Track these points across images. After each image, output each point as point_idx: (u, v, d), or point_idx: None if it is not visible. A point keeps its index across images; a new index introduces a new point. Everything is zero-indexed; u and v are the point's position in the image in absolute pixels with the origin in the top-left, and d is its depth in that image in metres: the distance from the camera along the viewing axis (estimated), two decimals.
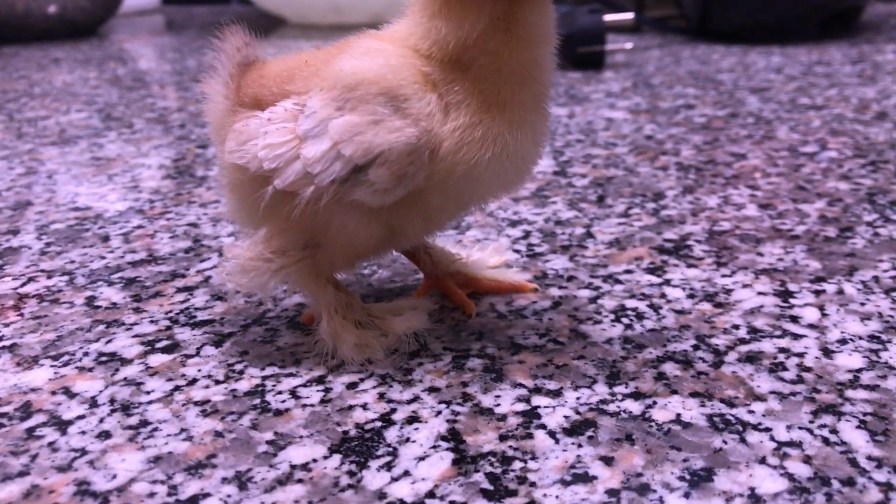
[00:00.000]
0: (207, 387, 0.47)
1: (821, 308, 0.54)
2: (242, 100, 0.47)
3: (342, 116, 0.43)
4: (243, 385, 0.47)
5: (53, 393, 0.47)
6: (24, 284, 0.62)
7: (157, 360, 0.50)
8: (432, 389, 0.46)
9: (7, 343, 0.53)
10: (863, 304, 0.54)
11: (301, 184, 0.44)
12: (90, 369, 0.50)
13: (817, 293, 0.56)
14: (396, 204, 0.45)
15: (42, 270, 0.65)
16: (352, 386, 0.47)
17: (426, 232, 0.51)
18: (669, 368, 0.47)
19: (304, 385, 0.47)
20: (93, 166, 0.95)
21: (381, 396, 0.45)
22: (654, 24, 1.68)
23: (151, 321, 0.56)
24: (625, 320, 0.53)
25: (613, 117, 1.08)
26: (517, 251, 0.65)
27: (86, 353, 0.52)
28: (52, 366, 0.50)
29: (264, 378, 0.48)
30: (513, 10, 0.43)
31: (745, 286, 0.57)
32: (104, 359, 0.51)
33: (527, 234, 0.68)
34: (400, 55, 0.44)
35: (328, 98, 0.43)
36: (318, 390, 0.46)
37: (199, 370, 0.49)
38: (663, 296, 0.56)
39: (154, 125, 1.16)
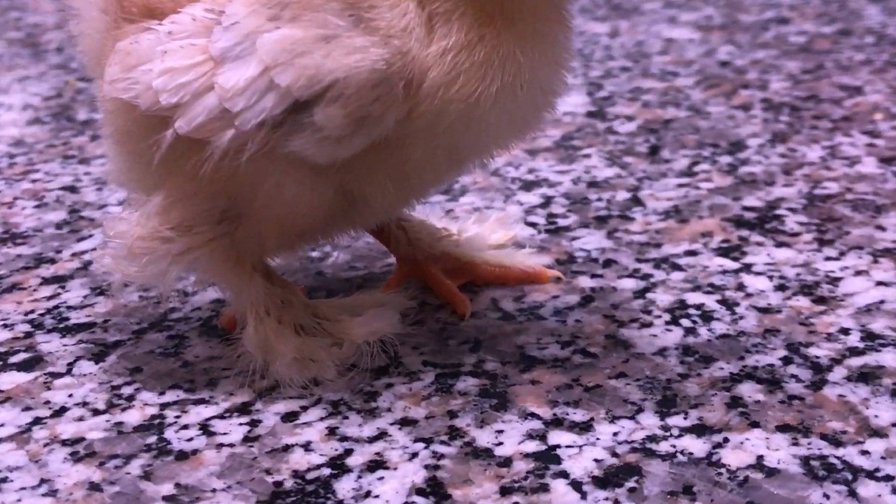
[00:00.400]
0: (81, 419, 0.46)
1: None
2: (128, 9, 0.47)
3: (277, 30, 0.42)
4: (133, 416, 0.46)
5: None
6: None
7: (10, 379, 0.50)
8: (406, 422, 0.45)
9: None
10: None
11: (215, 127, 0.43)
12: None
13: None
14: (356, 160, 0.45)
15: None
16: (289, 417, 0.46)
17: (400, 201, 0.51)
18: (748, 391, 0.46)
19: (221, 416, 0.46)
20: None
21: (332, 432, 0.45)
22: None
23: (4, 325, 0.55)
24: (685, 323, 0.52)
25: (674, 36, 1.07)
26: (532, 224, 0.64)
27: None
28: None
29: (164, 406, 0.47)
30: None
31: (858, 273, 0.57)
32: None
33: (547, 201, 0.68)
34: None
35: (257, 2, 0.43)
36: (240, 423, 0.46)
37: (71, 395, 0.48)
38: (741, 287, 0.56)
39: (20, 49, 1.15)
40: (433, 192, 0.65)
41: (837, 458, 0.42)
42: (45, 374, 0.50)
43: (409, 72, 0.42)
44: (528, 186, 0.71)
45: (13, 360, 0.52)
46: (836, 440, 0.43)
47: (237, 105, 0.42)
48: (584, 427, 0.44)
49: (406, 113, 0.43)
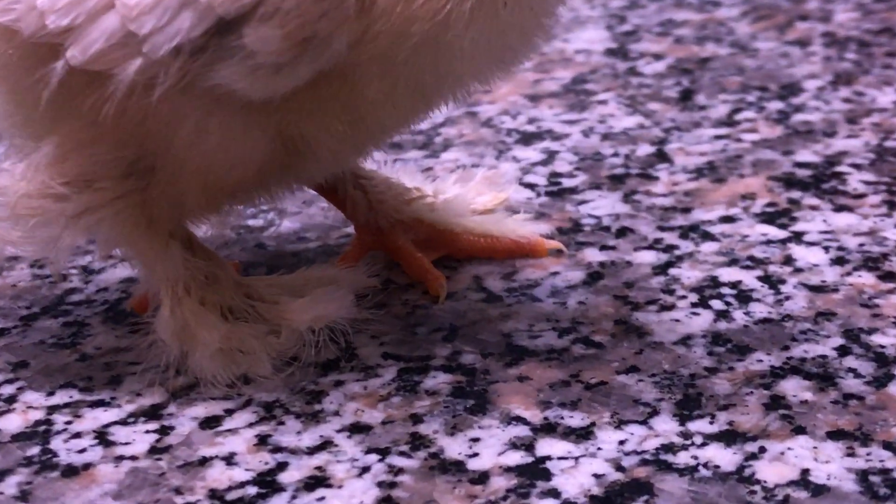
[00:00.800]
0: None
1: None
2: None
3: None
4: (12, 423, 0.46)
5: None
6: None
7: None
8: (357, 429, 0.44)
9: None
10: None
11: (118, 56, 0.42)
12: None
13: None
14: (299, 96, 0.44)
15: None
16: (209, 423, 0.45)
17: (354, 149, 0.50)
18: (792, 388, 0.45)
19: (124, 422, 0.45)
20: None
21: (263, 442, 0.44)
22: None
23: None
24: (716, 304, 0.51)
25: None
26: (530, 185, 0.64)
27: None
28: None
29: (52, 409, 0.46)
30: None
31: None
32: None
33: (550, 157, 0.67)
34: None
35: None
36: (147, 431, 0.45)
37: None
38: (789, 261, 0.55)
39: None
40: (396, 137, 0.65)
41: None
42: None
43: None
44: (527, 139, 0.70)
45: None
46: None
47: (144, 26, 0.41)
48: (583, 434, 0.43)
49: (360, 34, 0.42)
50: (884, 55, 0.81)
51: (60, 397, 0.47)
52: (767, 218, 0.59)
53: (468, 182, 0.60)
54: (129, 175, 0.46)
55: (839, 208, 0.60)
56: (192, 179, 0.46)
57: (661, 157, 0.67)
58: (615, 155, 0.67)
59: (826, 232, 0.57)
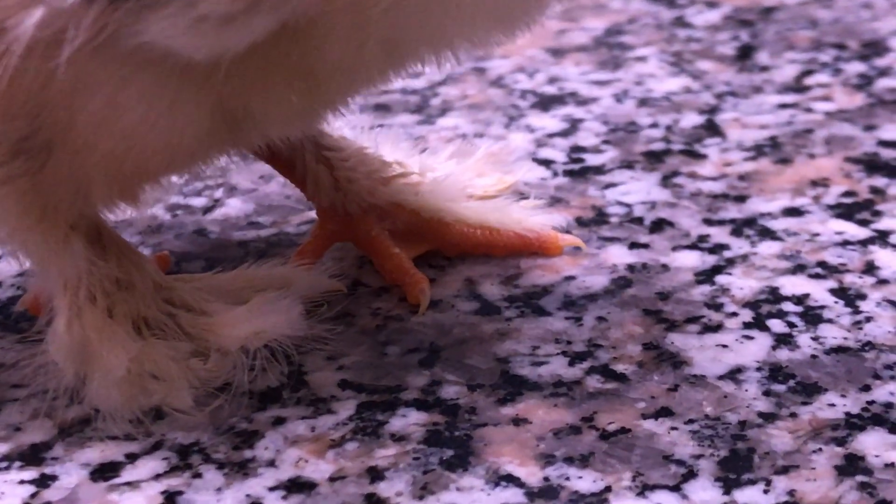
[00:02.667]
0: None
1: None
2: None
3: None
4: None
5: None
6: None
7: None
8: (296, 486, 0.41)
9: None
10: None
11: (10, 4, 0.39)
12: None
13: None
14: (244, 59, 0.40)
15: None
16: (104, 472, 0.42)
17: (303, 117, 0.48)
18: (874, 445, 0.41)
19: None
20: None
21: (170, 501, 0.41)
22: None
23: None
24: (776, 326, 0.48)
25: None
26: (548, 162, 0.61)
27: None
28: None
29: None
30: None
31: None
32: None
33: (573, 126, 0.65)
34: None
35: None
36: (22, 481, 0.42)
37: None
38: (871, 269, 0.52)
39: None
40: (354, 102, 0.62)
41: None
42: None
43: None
44: (545, 104, 0.68)
45: None
46: None
47: None
48: (594, 503, 0.39)
49: None
50: None
51: None
52: (844, 211, 0.57)
53: (467, 158, 0.57)
54: (18, 154, 0.43)
55: None
56: (101, 163, 0.44)
57: (712, 129, 0.65)
58: (654, 126, 0.65)
59: None
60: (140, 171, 0.45)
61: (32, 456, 0.43)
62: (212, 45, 0.39)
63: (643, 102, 0.67)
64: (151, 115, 0.42)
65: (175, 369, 0.44)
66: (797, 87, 0.68)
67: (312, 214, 0.56)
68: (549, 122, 0.65)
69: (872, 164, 0.60)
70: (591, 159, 0.61)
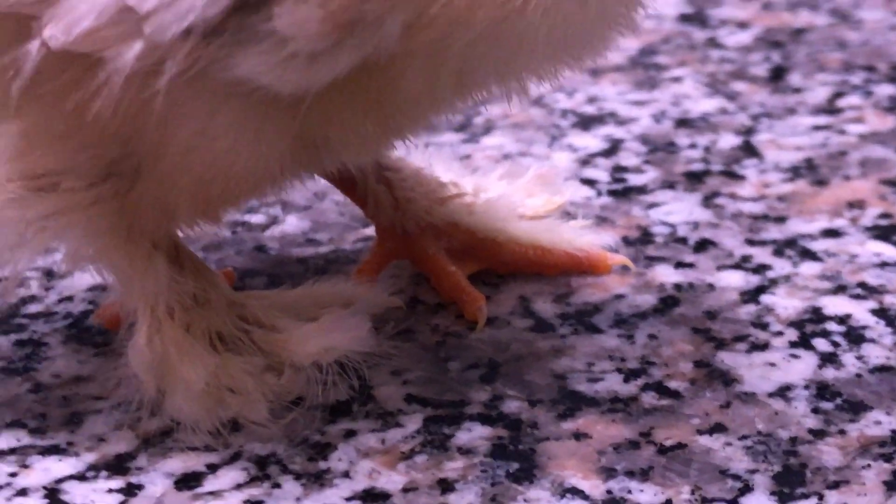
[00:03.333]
0: None
1: None
2: None
3: None
4: None
5: None
6: None
7: None
8: (371, 497, 0.42)
9: None
10: None
11: (112, 36, 0.39)
12: None
13: None
14: (326, 91, 0.41)
15: None
16: (188, 482, 0.43)
17: (378, 145, 0.49)
18: None
19: (82, 476, 0.43)
20: None
21: None
22: None
23: None
24: (821, 345, 0.49)
25: None
26: (591, 182, 0.62)
27: None
28: None
29: None
30: None
31: None
32: None
33: (614, 147, 0.66)
34: None
35: None
36: (110, 490, 0.42)
37: None
38: None
39: None
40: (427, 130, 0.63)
41: None
42: None
43: None
44: (585, 124, 0.69)
45: None
46: None
47: (148, 1, 0.39)
48: None
49: (413, 18, 0.41)
50: None
51: (6, 441, 0.45)
52: (881, 233, 0.57)
53: (517, 179, 0.58)
54: (108, 177, 0.44)
55: None
56: (188, 187, 0.45)
57: (749, 150, 0.66)
58: (692, 146, 0.66)
59: None
60: (224, 194, 0.46)
61: (118, 466, 0.43)
62: (298, 80, 0.40)
63: (681, 123, 0.68)
64: (238, 143, 0.43)
65: (251, 383, 0.45)
66: (830, 108, 0.69)
67: (368, 232, 0.56)
68: (591, 141, 0.66)
69: None
70: (634, 179, 0.62)
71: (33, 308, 0.53)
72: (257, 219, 0.59)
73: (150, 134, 0.42)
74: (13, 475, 0.43)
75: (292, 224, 0.58)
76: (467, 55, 0.42)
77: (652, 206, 0.60)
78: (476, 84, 0.45)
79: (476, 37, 0.41)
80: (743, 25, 0.82)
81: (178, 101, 0.41)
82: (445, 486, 0.42)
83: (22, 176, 0.43)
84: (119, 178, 0.44)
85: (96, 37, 0.39)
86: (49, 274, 0.55)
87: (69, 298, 0.54)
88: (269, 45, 0.39)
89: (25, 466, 0.44)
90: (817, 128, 0.67)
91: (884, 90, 0.71)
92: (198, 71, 0.40)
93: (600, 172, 0.63)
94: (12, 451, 0.45)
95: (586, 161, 0.64)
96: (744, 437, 0.44)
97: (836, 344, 0.49)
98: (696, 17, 0.83)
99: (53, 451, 0.45)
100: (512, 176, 0.58)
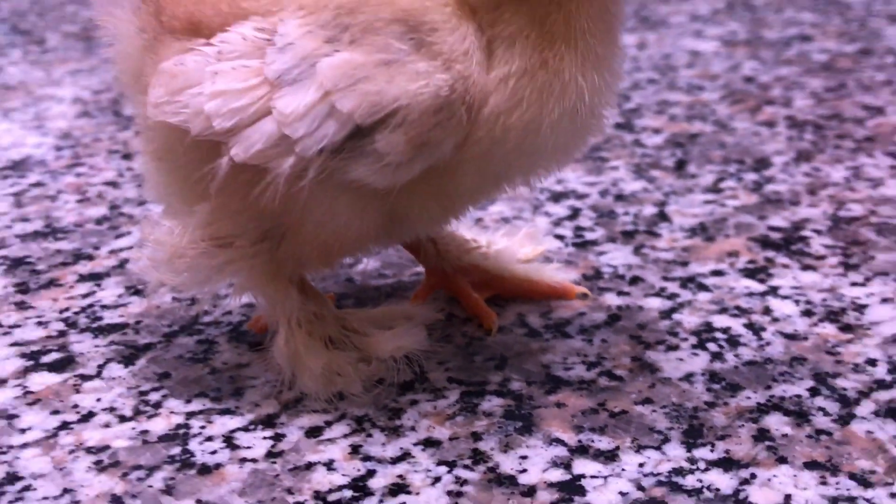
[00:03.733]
0: (108, 425, 0.44)
1: None
2: (170, 24, 0.43)
3: (337, 53, 0.39)
4: (159, 425, 0.44)
5: None
6: None
7: (41, 380, 0.47)
8: (429, 443, 0.42)
9: None
10: None
11: (274, 153, 0.40)
12: None
13: None
14: (408, 185, 0.42)
15: None
16: (313, 432, 0.43)
17: (442, 221, 0.49)
18: (775, 423, 0.43)
19: (246, 428, 0.44)
20: None
21: (355, 451, 0.42)
22: None
23: (39, 322, 0.53)
24: (712, 347, 0.49)
25: (700, 50, 1.04)
26: (560, 237, 0.62)
27: None
28: None
29: (189, 415, 0.45)
30: None
31: (884, 300, 0.53)
32: None
33: (575, 213, 0.65)
34: None
35: (313, 23, 0.39)
36: (264, 437, 0.43)
37: (99, 399, 0.46)
38: (768, 311, 0.53)
39: (73, 43, 1.13)
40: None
41: (867, 500, 0.38)
42: (75, 375, 0.48)
43: (471, 97, 0.40)
44: (556, 197, 0.68)
45: (45, 359, 0.49)
46: (864, 480, 0.39)
47: (297, 131, 0.39)
48: (610, 456, 0.41)
49: (464, 139, 0.41)
50: (835, 137, 0.78)
51: (196, 405, 0.45)
52: (749, 273, 0.57)
53: (513, 236, 0.57)
54: (265, 239, 0.44)
55: (805, 267, 0.57)
56: (314, 246, 0.44)
57: (663, 217, 0.64)
58: (626, 214, 0.65)
59: (796, 287, 0.55)
60: (339, 252, 0.46)
61: (267, 422, 0.44)
62: (390, 179, 0.40)
63: (618, 198, 0.67)
64: (350, 220, 0.43)
65: (350, 370, 0.45)
66: (715, 189, 0.68)
67: (419, 270, 0.56)
68: (560, 209, 0.65)
69: (765, 242, 0.59)
70: (588, 235, 0.61)
71: (207, 318, 0.53)
72: (347, 260, 0.58)
73: (294, 213, 0.42)
74: (203, 427, 0.43)
75: (370, 264, 0.58)
76: (502, 161, 0.42)
77: (601, 253, 0.59)
78: (508, 180, 0.44)
79: (508, 150, 0.41)
80: (657, 131, 0.80)
81: (314, 192, 0.41)
82: (476, 437, 0.43)
83: (210, 237, 0.43)
84: (271, 240, 0.44)
85: (264, 154, 0.39)
86: (215, 295, 0.53)
87: (229, 312, 0.53)
88: (372, 159, 0.39)
89: (210, 422, 0.44)
90: (707, 202, 0.66)
91: (750, 177, 0.70)
92: (327, 174, 0.40)
93: (566, 231, 0.62)
94: (200, 412, 0.45)
95: (557, 223, 0.63)
96: (664, 406, 0.44)
97: (721, 346, 0.49)
98: (626, 125, 0.81)
99: (227, 412, 0.45)
100: (510, 233, 0.57)
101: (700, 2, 1.26)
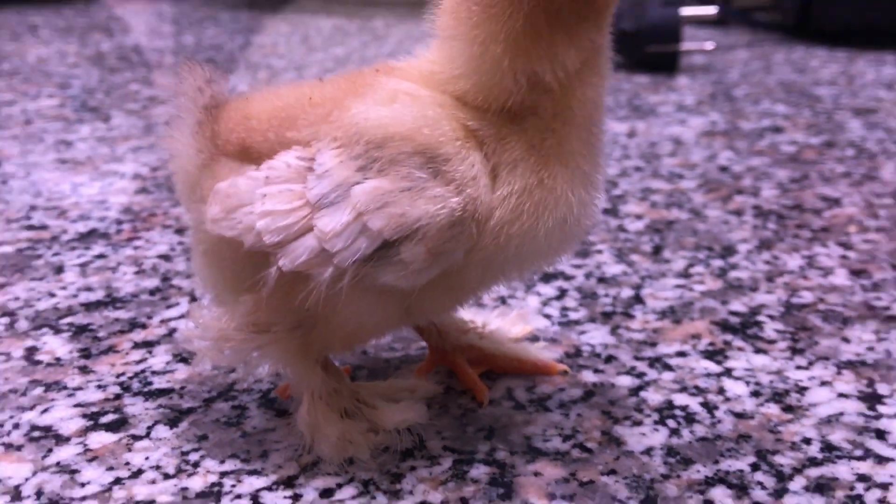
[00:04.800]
0: (154, 482, 0.46)
1: None
2: (224, 148, 0.46)
3: (367, 181, 0.42)
4: (196, 483, 0.46)
5: None
6: None
7: (99, 439, 0.50)
8: None
9: None
10: None
11: (316, 263, 0.42)
12: (19, 447, 0.49)
13: None
14: (424, 285, 0.44)
15: None
16: (327, 493, 0.46)
17: (450, 310, 0.51)
18: (720, 495, 0.45)
19: (269, 488, 0.46)
20: (57, 170, 0.96)
21: None
22: (743, 19, 1.65)
23: (99, 386, 0.55)
24: (671, 423, 0.51)
25: (683, 139, 1.06)
26: (548, 316, 0.63)
27: (16, 426, 0.51)
28: None
29: (223, 474, 0.47)
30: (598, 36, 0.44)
31: (823, 384, 0.55)
32: (37, 434, 0.51)
33: (562, 294, 0.67)
34: (438, 103, 0.44)
35: (346, 155, 0.42)
36: (285, 496, 0.45)
37: (147, 458, 0.48)
38: (722, 391, 0.54)
39: (135, 120, 1.16)
40: None
41: None
42: (127, 435, 0.50)
43: (479, 214, 0.42)
44: (546, 278, 0.69)
45: (103, 420, 0.52)
46: None
47: (336, 246, 0.42)
48: None
49: (472, 247, 0.43)
50: (794, 227, 0.80)
51: (229, 465, 0.48)
52: (708, 355, 0.58)
53: (506, 315, 0.59)
54: (299, 327, 0.46)
55: (757, 350, 0.59)
56: (343, 335, 0.47)
57: (638, 299, 0.66)
58: (606, 296, 0.66)
59: (748, 369, 0.56)
60: (362, 339, 0.48)
61: (288, 483, 0.45)
62: (412, 282, 0.43)
63: (601, 280, 0.68)
64: (374, 313, 0.45)
65: (361, 439, 0.47)
66: (685, 274, 0.69)
67: (423, 344, 0.57)
68: (549, 290, 0.66)
69: (725, 326, 0.61)
70: (573, 315, 0.62)
71: (240, 386, 0.55)
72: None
73: (327, 308, 0.44)
74: (233, 486, 0.45)
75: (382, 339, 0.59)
76: (504, 263, 0.44)
77: (582, 333, 0.60)
78: (507, 276, 0.46)
79: (509, 255, 0.43)
80: (639, 217, 0.81)
81: (345, 293, 0.43)
82: (463, 502, 0.44)
83: (252, 324, 0.46)
84: (304, 328, 0.46)
85: (307, 264, 0.42)
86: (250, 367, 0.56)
87: (260, 380, 0.55)
88: (398, 267, 0.42)
89: (239, 481, 0.46)
90: (677, 286, 0.67)
91: (717, 263, 0.71)
92: (359, 279, 0.42)
93: (554, 310, 0.64)
94: (232, 472, 0.47)
95: (546, 303, 0.65)
96: (625, 478, 0.46)
97: (679, 423, 0.50)
98: (612, 210, 0.83)
99: (254, 472, 0.46)
100: (503, 313, 0.59)
101: (686, 92, 1.29)
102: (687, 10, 1.39)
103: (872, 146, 1.03)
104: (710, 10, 1.44)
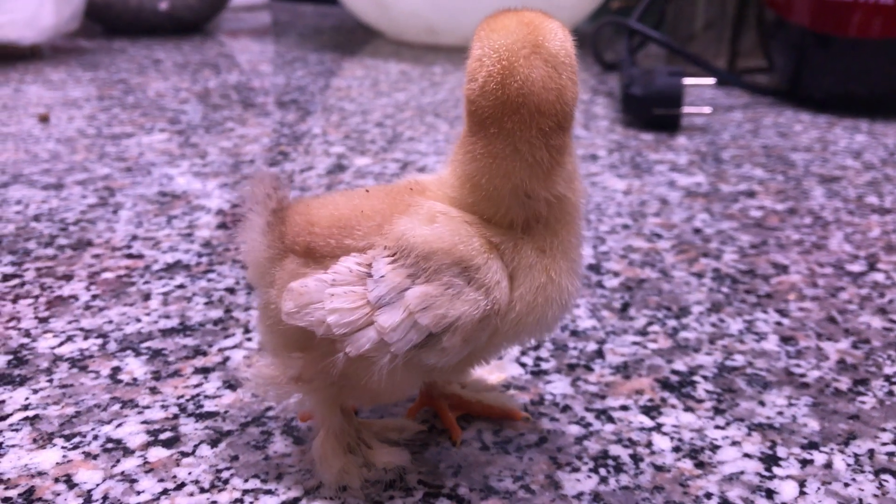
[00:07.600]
0: (192, 494, 0.49)
1: (801, 483, 0.52)
2: (291, 247, 0.48)
3: (416, 286, 0.44)
4: (224, 498, 0.49)
5: (56, 480, 0.51)
6: (62, 344, 0.67)
7: (156, 454, 0.53)
8: None
9: (31, 413, 0.58)
10: (847, 485, 0.52)
11: (375, 350, 0.45)
12: (95, 456, 0.53)
13: (804, 463, 0.54)
14: None
15: (81, 329, 0.69)
16: None
17: (459, 375, 0.53)
18: None
19: None
20: (157, 203, 1.00)
21: None
22: (741, 84, 1.65)
23: (163, 406, 0.58)
24: (602, 471, 0.52)
25: (669, 199, 1.05)
26: (523, 364, 0.64)
27: (95, 437, 0.55)
28: (63, 446, 0.54)
29: (245, 492, 0.50)
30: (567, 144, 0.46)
31: (734, 443, 0.56)
32: (110, 445, 0.54)
33: (538, 345, 0.67)
34: (467, 222, 0.46)
35: (399, 265, 0.45)
36: None
37: (190, 473, 0.51)
38: (649, 445, 0.55)
39: (226, 157, 1.18)
40: None
41: None
42: (178, 452, 0.53)
43: (501, 309, 0.45)
44: None
45: (161, 436, 0.55)
46: None
47: (392, 338, 0.44)
48: None
49: (494, 332, 0.46)
50: (743, 291, 0.78)
51: (251, 484, 0.49)
52: (645, 410, 0.59)
53: (486, 365, 0.60)
54: (335, 384, 0.48)
55: (687, 409, 0.59)
56: (370, 394, 0.48)
57: (600, 354, 0.66)
58: (574, 348, 0.67)
59: (675, 426, 0.57)
60: (386, 398, 0.50)
61: (294, 503, 0.48)
62: (447, 362, 0.45)
63: (573, 333, 0.68)
64: (404, 382, 0.47)
65: (356, 472, 0.49)
66: (643, 332, 0.69)
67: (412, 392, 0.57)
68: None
69: (665, 384, 0.61)
70: (543, 365, 0.63)
71: (270, 413, 0.57)
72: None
73: (366, 375, 0.46)
74: (251, 502, 0.48)
75: None
76: (515, 340, 0.47)
77: (548, 382, 0.61)
78: (504, 347, 0.49)
79: (520, 331, 0.46)
80: (616, 274, 0.80)
81: (397, 369, 0.45)
82: None
83: (297, 377, 0.47)
84: (340, 385, 0.47)
85: (370, 351, 0.44)
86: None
87: (285, 409, 0.57)
88: (438, 351, 0.44)
89: (256, 499, 0.48)
90: (634, 343, 0.67)
91: (671, 322, 0.71)
92: (407, 359, 0.45)
93: (529, 359, 0.64)
94: (251, 490, 0.49)
95: (524, 352, 0.65)
96: None
97: (609, 471, 0.51)
98: (595, 267, 0.82)
99: (268, 492, 0.49)
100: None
101: (682, 152, 1.28)
102: (688, 81, 1.39)
103: (828, 215, 1.01)
104: (709, 80, 1.44)
